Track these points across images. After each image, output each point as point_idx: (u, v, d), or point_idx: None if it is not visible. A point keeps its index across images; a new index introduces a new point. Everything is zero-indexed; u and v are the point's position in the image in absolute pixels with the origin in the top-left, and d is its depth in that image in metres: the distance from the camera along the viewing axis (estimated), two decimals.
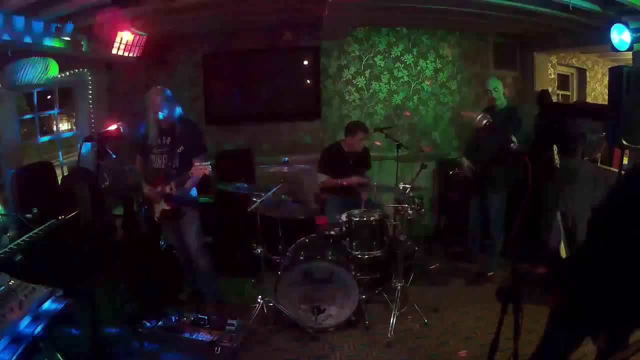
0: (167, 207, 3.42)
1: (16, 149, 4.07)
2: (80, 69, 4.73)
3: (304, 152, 5.35)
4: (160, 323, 3.31)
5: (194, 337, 3.21)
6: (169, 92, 3.36)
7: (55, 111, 4.84)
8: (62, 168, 4.80)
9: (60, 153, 4.89)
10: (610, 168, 4.10)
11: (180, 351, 3.14)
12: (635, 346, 1.78)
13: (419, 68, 5.41)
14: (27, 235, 2.62)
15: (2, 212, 3.64)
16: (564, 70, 6.14)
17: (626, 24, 3.37)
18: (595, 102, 6.33)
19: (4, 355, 1.89)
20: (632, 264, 1.73)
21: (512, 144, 2.02)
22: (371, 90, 5.41)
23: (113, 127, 3.13)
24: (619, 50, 3.49)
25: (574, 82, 6.42)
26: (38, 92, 4.44)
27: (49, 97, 4.81)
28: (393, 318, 3.31)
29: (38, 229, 2.68)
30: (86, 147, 4.27)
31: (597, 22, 3.76)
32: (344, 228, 3.69)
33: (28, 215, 2.85)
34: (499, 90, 3.95)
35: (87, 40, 3.78)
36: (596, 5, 3.47)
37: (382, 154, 5.08)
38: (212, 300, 3.74)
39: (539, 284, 3.29)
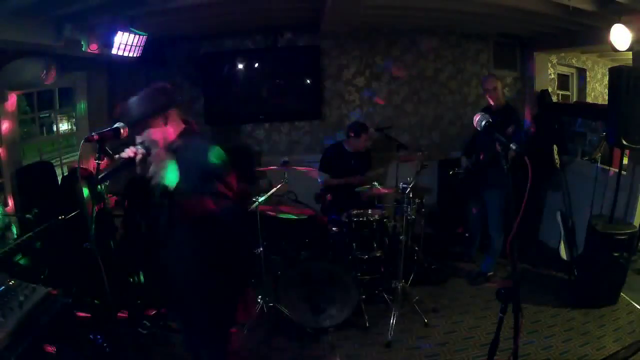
0: None
1: (16, 149, 4.06)
2: (80, 69, 4.72)
3: (304, 152, 5.35)
4: (160, 323, 3.31)
5: None
6: None
7: (55, 111, 4.84)
8: (62, 168, 4.80)
9: (60, 153, 4.89)
10: (611, 168, 4.10)
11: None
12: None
13: (419, 68, 5.41)
14: (27, 235, 2.62)
15: (2, 212, 3.64)
16: (564, 70, 6.13)
17: (626, 24, 3.37)
18: (595, 102, 6.33)
19: (4, 355, 1.89)
20: None
21: (510, 149, 2.00)
22: (371, 90, 5.40)
23: (114, 127, 3.12)
24: (619, 50, 3.49)
25: (574, 82, 6.41)
26: (38, 92, 4.44)
27: (49, 97, 4.81)
28: (393, 318, 3.32)
29: (38, 229, 2.69)
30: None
31: (597, 22, 3.76)
32: (344, 228, 3.69)
33: (28, 215, 2.85)
34: (497, 90, 3.96)
35: (87, 40, 3.77)
36: (596, 5, 3.47)
37: (382, 154, 5.09)
38: None
39: None
